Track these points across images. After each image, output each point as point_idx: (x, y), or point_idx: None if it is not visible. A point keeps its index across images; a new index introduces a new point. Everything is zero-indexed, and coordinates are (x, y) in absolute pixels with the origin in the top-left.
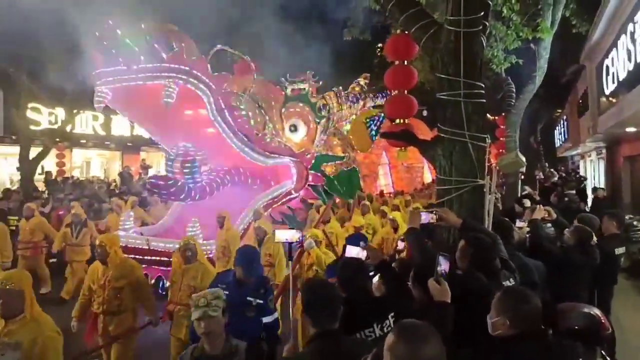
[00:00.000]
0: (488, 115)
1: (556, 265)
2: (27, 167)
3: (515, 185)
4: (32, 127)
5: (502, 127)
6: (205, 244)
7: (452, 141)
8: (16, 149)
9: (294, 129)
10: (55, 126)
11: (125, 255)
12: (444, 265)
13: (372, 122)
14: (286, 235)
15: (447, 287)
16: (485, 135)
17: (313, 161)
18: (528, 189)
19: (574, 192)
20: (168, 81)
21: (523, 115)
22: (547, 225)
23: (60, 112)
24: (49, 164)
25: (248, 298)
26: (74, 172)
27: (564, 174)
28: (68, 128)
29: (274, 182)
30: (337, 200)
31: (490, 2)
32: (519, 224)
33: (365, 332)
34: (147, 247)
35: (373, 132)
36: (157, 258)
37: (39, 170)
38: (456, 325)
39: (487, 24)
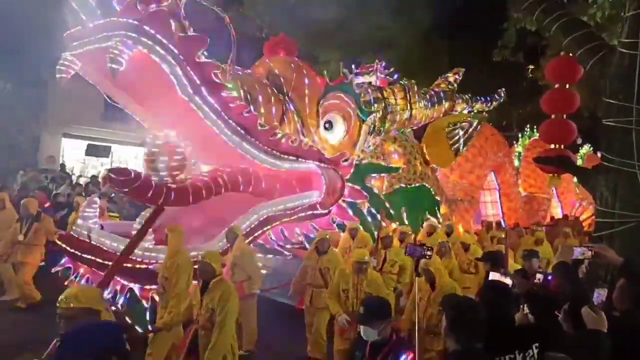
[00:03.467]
0: None
1: None
2: None
3: None
4: None
5: None
6: (159, 249)
7: (618, 171)
8: None
9: (329, 126)
10: None
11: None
12: (600, 297)
13: (459, 131)
14: None
15: (604, 316)
16: None
17: (353, 170)
18: None
19: None
20: (115, 41)
21: None
22: None
23: None
24: None
25: None
26: None
27: None
28: None
29: (300, 191)
30: (389, 225)
31: None
32: None
33: (506, 357)
34: (87, 241)
35: (460, 143)
36: (97, 259)
37: None
38: None
39: None
